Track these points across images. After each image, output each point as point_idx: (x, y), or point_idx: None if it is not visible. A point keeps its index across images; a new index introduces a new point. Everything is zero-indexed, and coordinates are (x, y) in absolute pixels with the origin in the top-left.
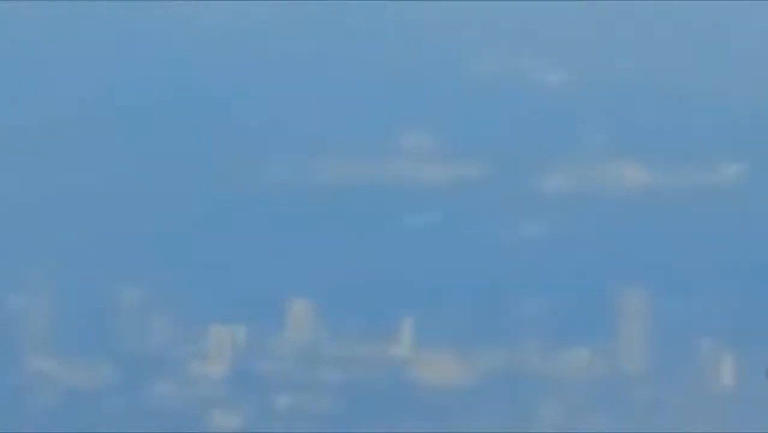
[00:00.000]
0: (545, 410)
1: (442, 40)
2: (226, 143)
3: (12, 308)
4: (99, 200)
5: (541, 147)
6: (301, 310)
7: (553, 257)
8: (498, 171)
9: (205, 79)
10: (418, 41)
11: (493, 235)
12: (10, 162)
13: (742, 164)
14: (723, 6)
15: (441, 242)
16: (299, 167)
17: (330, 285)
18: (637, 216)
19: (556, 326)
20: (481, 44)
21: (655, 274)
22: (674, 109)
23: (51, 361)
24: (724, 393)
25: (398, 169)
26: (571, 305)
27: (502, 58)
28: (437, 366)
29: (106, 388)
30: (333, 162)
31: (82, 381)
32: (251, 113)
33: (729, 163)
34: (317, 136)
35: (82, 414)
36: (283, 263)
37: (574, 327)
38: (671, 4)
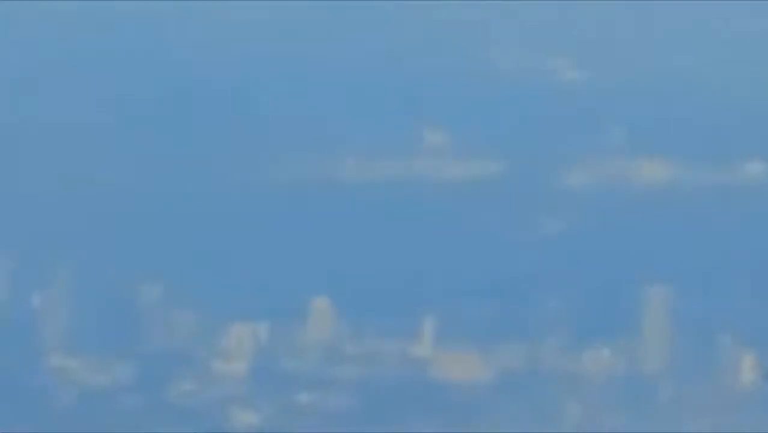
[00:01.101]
0: (566, 408)
1: (464, 40)
2: (249, 142)
3: (34, 306)
4: (121, 199)
5: (561, 145)
6: (323, 308)
7: (574, 254)
8: (518, 168)
9: (228, 78)
10: (440, 41)
11: (513, 232)
12: (33, 162)
13: (763, 162)
14: (744, 6)
15: (461, 239)
16: (322, 166)
17: (351, 283)
18: (657, 213)
19: (576, 324)
20: (502, 43)
21: (675, 271)
22: (695, 107)
23: (72, 359)
24: (744, 391)
25: (419, 167)
26: (592, 302)
27: (523, 57)
28: (457, 364)
29: (127, 386)
30: (355, 160)
31: (103, 379)
32: (273, 112)
33: (750, 160)
34: (340, 134)
35: (103, 412)
36: (305, 261)
37: (594, 325)
38: (692, 4)
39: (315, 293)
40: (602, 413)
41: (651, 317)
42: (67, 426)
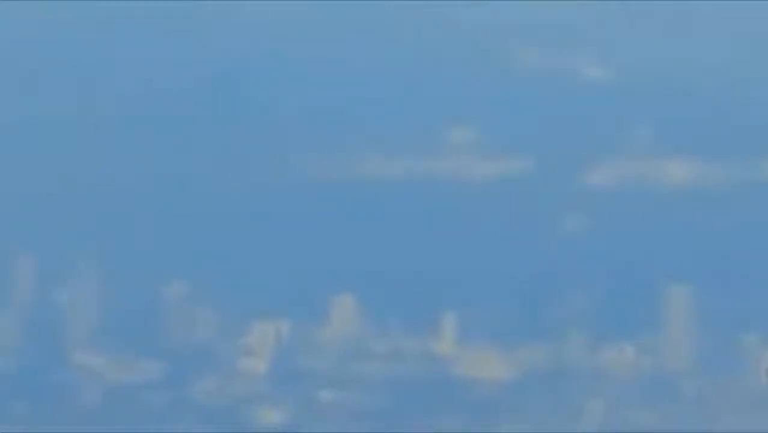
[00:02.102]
0: (589, 406)
1: (488, 38)
2: (271, 140)
3: (58, 304)
4: (144, 197)
5: (586, 143)
6: (345, 306)
7: (598, 252)
8: (543, 167)
9: (252, 76)
10: (464, 40)
11: (537, 230)
12: (55, 159)
13: None
14: (766, 5)
15: (485, 237)
16: (346, 164)
17: (374, 281)
18: (681, 211)
19: (600, 322)
20: (526, 42)
21: (699, 269)
22: (720, 105)
23: (96, 356)
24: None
25: (443, 166)
26: (616, 300)
27: (548, 55)
28: (480, 362)
29: (150, 383)
30: (379, 158)
31: (126, 376)
32: (298, 110)
33: None
34: (365, 132)
35: (126, 409)
36: (328, 258)
37: (618, 323)
38: (718, 4)
39: (338, 291)
40: (625, 411)
41: (675, 315)
42: (91, 423)
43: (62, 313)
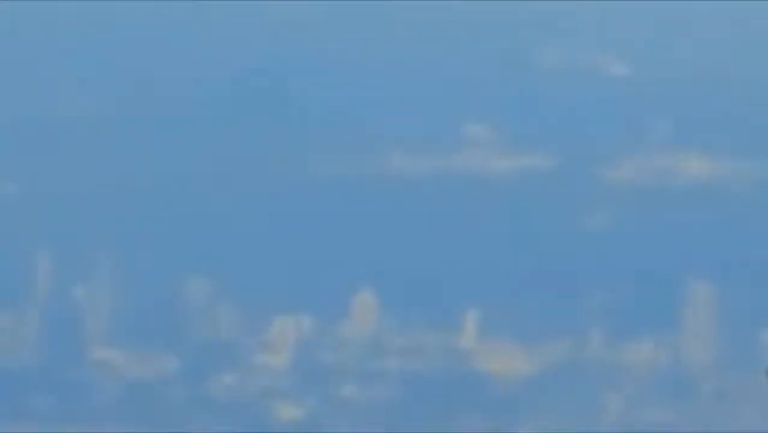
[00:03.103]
0: (609, 402)
1: (507, 36)
2: (292, 137)
3: (77, 299)
4: (164, 192)
5: (606, 140)
6: (366, 301)
7: (618, 248)
8: (563, 163)
9: (275, 75)
10: (483, 37)
11: (557, 226)
12: (76, 155)
13: None
14: None
15: (506, 233)
16: (368, 161)
17: (394, 276)
18: (702, 208)
19: (620, 318)
20: (545, 39)
21: (720, 265)
22: (740, 101)
23: (115, 352)
24: None
25: (464, 162)
26: (636, 296)
27: (567, 52)
28: (501, 357)
29: (170, 379)
30: (401, 155)
31: (145, 372)
32: (317, 108)
33: None
34: (385, 130)
35: (145, 405)
36: (348, 254)
37: (638, 319)
38: (734, 3)
39: (359, 287)
40: (645, 407)
41: (695, 311)
42: (110, 419)
43: (81, 309)
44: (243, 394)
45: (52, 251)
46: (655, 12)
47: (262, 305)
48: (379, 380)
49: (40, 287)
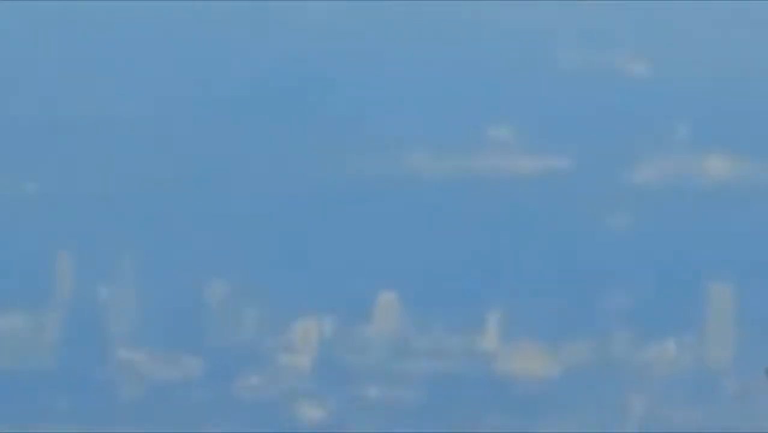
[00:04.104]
0: (632, 402)
1: (529, 37)
2: (317, 138)
3: (101, 300)
4: (189, 194)
5: (627, 140)
6: (389, 302)
7: (640, 249)
8: (584, 164)
9: (301, 75)
10: (505, 39)
11: (579, 227)
12: (99, 157)
13: None
14: None
15: (528, 234)
16: (390, 162)
17: (417, 277)
18: (722, 209)
19: (643, 319)
20: (566, 40)
21: (741, 267)
22: (760, 102)
23: (139, 353)
24: None
25: (487, 164)
26: (658, 297)
27: (588, 53)
28: (524, 358)
29: (193, 379)
30: (423, 157)
31: (170, 373)
32: (337, 110)
33: None
34: (409, 131)
35: (169, 405)
36: (371, 255)
37: (661, 320)
38: (755, 2)
39: (381, 287)
40: (667, 407)
41: (716, 313)
42: (133, 419)
43: (106, 311)
44: (266, 395)
45: (76, 252)
46: (677, 13)
47: (286, 306)
48: (402, 381)
49: (64, 289)
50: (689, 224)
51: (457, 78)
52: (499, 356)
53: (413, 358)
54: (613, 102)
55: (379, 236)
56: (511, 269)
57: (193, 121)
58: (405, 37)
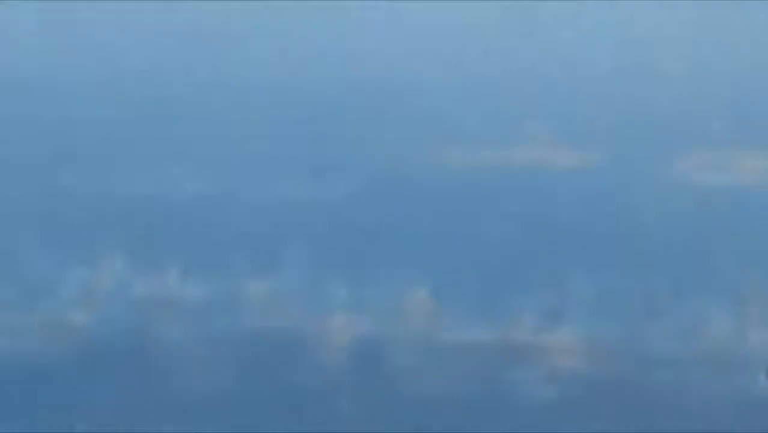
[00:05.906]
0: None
1: (567, 34)
2: (348, 135)
3: None
4: (218, 192)
5: (662, 137)
6: (421, 298)
7: (675, 246)
8: (619, 160)
9: (325, 74)
10: (539, 36)
11: (615, 225)
12: (126, 160)
13: None
14: None
15: (563, 230)
16: (425, 156)
17: (451, 273)
18: (760, 205)
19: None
20: (600, 37)
21: None
22: None
23: None
24: None
25: (523, 158)
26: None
27: (622, 50)
28: (561, 354)
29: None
30: (458, 151)
31: None
32: (381, 107)
33: None
34: (442, 124)
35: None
36: (404, 251)
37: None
38: None
39: (413, 284)
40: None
41: (754, 308)
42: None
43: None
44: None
45: (116, 258)
46: (712, 10)
47: (317, 304)
48: (433, 378)
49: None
50: (726, 220)
51: (495, 72)
52: (535, 353)
53: (446, 355)
54: (650, 98)
55: (410, 234)
56: (548, 265)
57: (224, 113)
58: (442, 38)
